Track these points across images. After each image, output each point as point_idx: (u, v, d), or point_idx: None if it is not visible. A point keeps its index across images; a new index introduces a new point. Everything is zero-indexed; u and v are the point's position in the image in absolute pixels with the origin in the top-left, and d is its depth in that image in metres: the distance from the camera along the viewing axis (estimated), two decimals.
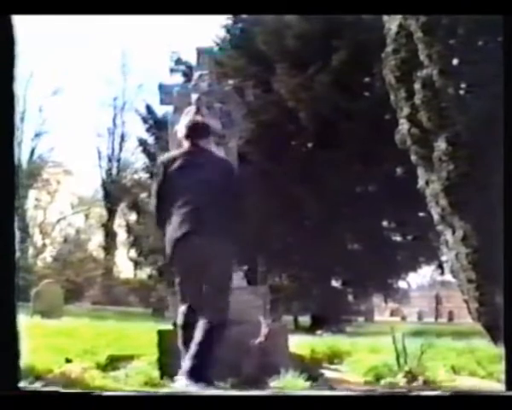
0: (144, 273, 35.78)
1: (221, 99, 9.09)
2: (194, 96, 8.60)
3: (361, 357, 9.05)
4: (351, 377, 8.15)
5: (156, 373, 6.91)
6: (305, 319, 26.03)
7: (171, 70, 28.32)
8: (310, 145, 24.81)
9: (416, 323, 35.36)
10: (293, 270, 24.39)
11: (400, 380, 7.18)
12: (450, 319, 43.98)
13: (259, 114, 22.92)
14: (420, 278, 49.15)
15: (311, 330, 20.15)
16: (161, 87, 9.07)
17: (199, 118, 7.05)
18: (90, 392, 3.41)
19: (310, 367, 7.90)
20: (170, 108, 9.41)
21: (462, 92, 12.19)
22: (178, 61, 28.13)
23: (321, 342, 10.81)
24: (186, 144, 6.38)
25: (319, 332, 14.91)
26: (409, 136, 12.60)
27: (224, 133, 8.73)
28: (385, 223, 26.38)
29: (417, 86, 12.19)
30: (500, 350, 10.44)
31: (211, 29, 54.26)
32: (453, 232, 12.22)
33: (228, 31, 26.77)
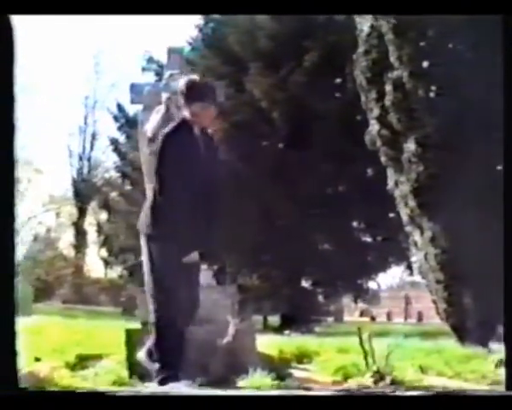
0: (115, 272, 35.62)
1: None
2: (164, 96, 8.60)
3: (329, 357, 9.05)
4: (319, 376, 8.14)
5: (125, 372, 6.88)
6: (274, 319, 26.05)
7: (143, 69, 28.27)
8: (281, 146, 24.84)
9: (386, 323, 35.52)
10: (263, 270, 24.39)
11: (368, 380, 7.21)
12: (420, 319, 44.17)
13: (232, 115, 22.91)
14: (389, 278, 49.41)
15: (280, 329, 20.17)
16: (132, 86, 9.04)
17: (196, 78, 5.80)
18: (90, 392, 3.42)
19: (278, 367, 7.90)
20: (141, 107, 9.40)
21: (432, 94, 12.26)
22: (150, 60, 28.05)
23: (290, 342, 10.82)
24: (186, 113, 5.49)
25: (287, 332, 14.94)
26: (379, 137, 12.66)
27: None
28: (355, 223, 26.49)
29: (388, 88, 12.25)
30: (468, 350, 10.57)
31: (183, 29, 54.20)
32: (422, 233, 12.30)
33: (200, 30, 26.74)
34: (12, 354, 3.21)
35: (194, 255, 5.26)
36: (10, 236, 3.31)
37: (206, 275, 8.54)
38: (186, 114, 5.44)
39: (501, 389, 3.37)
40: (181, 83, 5.51)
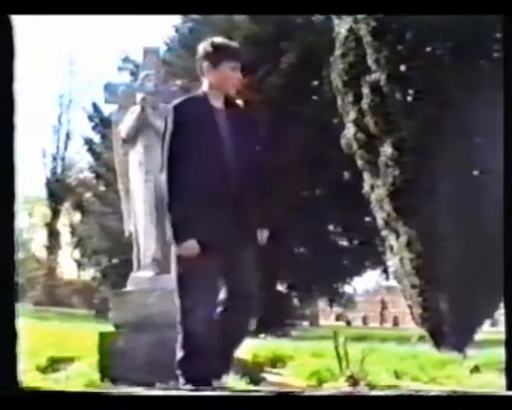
0: (88, 274, 35.35)
1: (166, 99, 9.00)
2: (139, 96, 8.49)
3: (304, 361, 9.01)
4: (293, 381, 8.11)
5: (97, 376, 6.78)
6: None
7: (119, 68, 28.11)
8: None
9: (361, 327, 35.59)
10: None
11: (342, 384, 7.15)
12: (396, 324, 44.35)
13: None
14: (365, 282, 49.57)
15: (255, 333, 20.05)
16: (107, 86, 8.93)
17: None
18: (90, 392, 3.38)
19: (252, 371, 7.85)
20: (116, 107, 9.30)
21: (409, 98, 12.24)
22: (126, 60, 27.87)
23: (264, 346, 10.76)
24: (211, 79, 4.47)
25: (262, 336, 14.85)
26: (355, 140, 12.62)
27: None
28: (331, 227, 26.44)
29: (365, 91, 12.20)
30: (443, 355, 10.53)
31: (160, 29, 54.11)
32: (397, 237, 12.26)
33: (177, 30, 26.60)
34: (12, 354, 3.18)
35: (191, 245, 4.12)
36: (10, 236, 3.25)
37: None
38: (210, 80, 4.41)
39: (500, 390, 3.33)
40: (204, 44, 4.51)
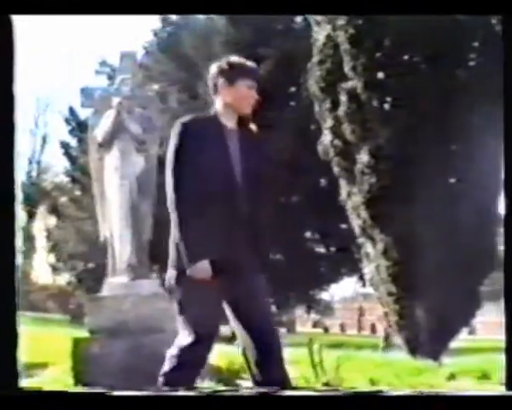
0: (63, 279, 35.12)
1: (142, 104, 8.98)
2: (115, 100, 8.46)
3: None
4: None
5: (71, 381, 6.73)
6: (226, 329, 25.88)
7: (97, 72, 28.05)
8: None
9: (339, 335, 35.62)
10: None
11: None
12: (373, 331, 44.40)
13: None
14: (343, 289, 49.64)
15: (231, 340, 20.00)
16: (83, 90, 8.89)
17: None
18: (90, 392, 3.38)
19: (227, 378, 7.83)
20: (92, 111, 9.27)
21: (386, 106, 12.26)
22: (103, 64, 27.76)
23: (239, 353, 10.67)
24: (226, 98, 4.23)
25: (236, 342, 14.79)
26: (331, 147, 12.62)
27: (145, 139, 8.61)
28: (308, 234, 26.44)
29: (342, 98, 12.21)
30: (419, 363, 10.54)
31: (139, 32, 53.93)
32: (374, 245, 12.27)
33: (156, 34, 26.54)
34: (12, 353, 3.17)
35: (204, 266, 3.93)
36: (11, 237, 3.24)
37: (152, 283, 8.40)
38: (225, 98, 4.22)
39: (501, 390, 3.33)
40: (219, 63, 4.31)
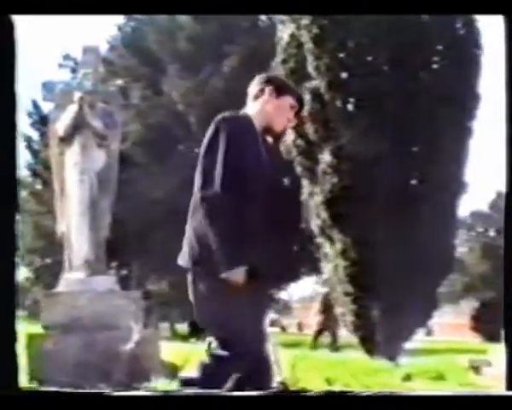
0: (21, 274, 34.75)
1: (105, 99, 8.92)
2: (77, 95, 8.39)
3: None
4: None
5: (25, 378, 6.66)
6: (183, 327, 25.83)
7: (60, 66, 27.85)
8: (197, 150, 24.62)
9: (296, 334, 35.68)
10: (172, 276, 24.11)
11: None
12: None
13: (148, 116, 22.64)
14: (302, 289, 49.76)
15: (188, 338, 19.98)
16: (45, 84, 8.80)
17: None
18: (90, 392, 3.38)
19: (181, 376, 7.79)
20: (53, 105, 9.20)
21: (349, 106, 12.29)
22: (67, 57, 27.56)
23: (196, 350, 10.66)
24: (269, 105, 4.08)
25: (193, 340, 14.81)
26: (294, 147, 12.61)
27: (106, 134, 8.55)
28: None
29: (305, 97, 12.20)
30: (375, 363, 10.58)
31: (103, 27, 53.66)
32: (332, 245, 12.29)
33: (120, 29, 26.40)
34: (12, 353, 3.18)
35: (241, 272, 3.72)
36: (12, 236, 3.21)
37: (108, 280, 8.35)
38: (266, 105, 4.08)
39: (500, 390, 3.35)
40: (271, 74, 4.29)
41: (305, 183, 12.86)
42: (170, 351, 9.08)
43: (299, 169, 12.81)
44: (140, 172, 21.35)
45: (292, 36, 12.63)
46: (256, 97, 4.13)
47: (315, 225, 12.57)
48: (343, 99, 12.07)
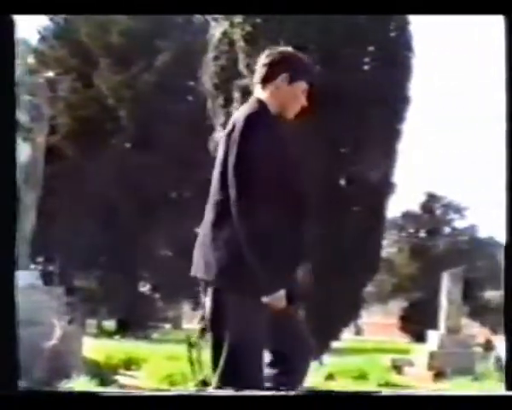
0: None
1: (31, 91, 8.75)
2: None
3: (158, 364, 8.93)
4: (145, 383, 8.06)
5: None
6: (111, 323, 25.60)
7: None
8: (128, 145, 24.44)
9: None
10: (100, 272, 23.88)
11: (192, 388, 7.12)
12: None
13: (78, 109, 22.36)
14: None
15: (115, 334, 19.81)
16: None
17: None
18: (90, 392, 3.34)
19: (104, 373, 7.77)
20: None
21: None
22: None
23: (119, 348, 10.60)
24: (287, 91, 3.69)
25: (117, 337, 14.72)
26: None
27: (32, 127, 8.39)
28: (198, 230, 26.41)
29: (235, 95, 12.18)
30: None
31: (35, 17, 52.92)
32: None
33: (51, 19, 25.98)
34: (12, 354, 3.11)
35: (279, 297, 3.52)
36: (12, 235, 3.15)
37: (30, 275, 8.18)
38: (279, 93, 3.70)
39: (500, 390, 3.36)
40: (286, 51, 3.79)
41: None
42: (94, 348, 9.00)
43: None
44: (69, 166, 21.06)
45: (224, 33, 12.60)
46: (266, 80, 3.68)
47: None
48: None
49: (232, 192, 3.42)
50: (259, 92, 3.66)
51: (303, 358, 3.72)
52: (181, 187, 24.70)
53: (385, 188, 12.51)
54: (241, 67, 12.09)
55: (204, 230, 3.64)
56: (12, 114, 3.24)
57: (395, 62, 12.07)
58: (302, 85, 3.69)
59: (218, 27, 12.91)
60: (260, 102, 3.62)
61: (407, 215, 34.81)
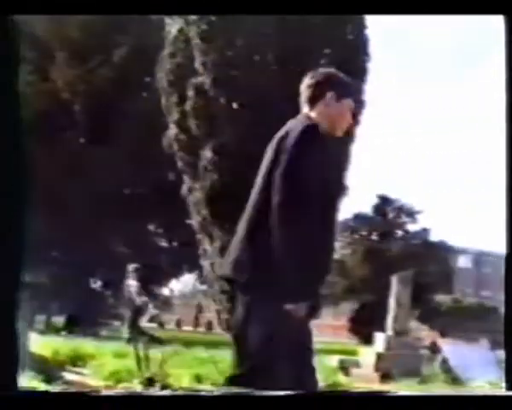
0: None
1: None
2: None
3: (105, 361, 8.90)
4: (92, 380, 8.00)
5: None
6: (60, 320, 25.37)
7: None
8: (82, 140, 24.22)
9: (174, 330, 35.61)
10: (51, 267, 23.63)
11: (137, 385, 7.15)
12: (209, 328, 44.64)
13: (32, 103, 22.10)
14: (183, 285, 49.71)
15: (64, 330, 19.63)
16: None
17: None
18: (90, 392, 3.32)
19: (49, 369, 7.69)
20: None
21: (234, 104, 12.31)
22: None
23: (66, 344, 10.51)
24: (332, 110, 3.73)
25: (64, 333, 14.60)
26: (176, 141, 12.56)
27: None
28: (152, 227, 26.30)
29: (190, 93, 12.17)
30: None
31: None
32: (211, 242, 12.29)
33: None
34: (12, 353, 3.13)
35: (301, 306, 3.49)
36: (16, 229, 3.22)
37: None
38: (328, 111, 3.74)
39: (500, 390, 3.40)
40: (330, 72, 3.85)
41: (185, 178, 12.82)
42: (41, 344, 8.93)
43: (179, 164, 12.76)
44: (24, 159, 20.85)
45: (180, 31, 12.58)
46: (314, 99, 3.73)
47: (195, 221, 12.55)
48: (228, 96, 12.08)
49: (276, 198, 3.37)
50: (312, 113, 3.65)
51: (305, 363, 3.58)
52: (135, 183, 24.57)
53: (336, 190, 12.60)
54: (197, 64, 12.08)
55: (240, 228, 3.56)
56: (12, 114, 3.23)
57: (351, 65, 12.17)
58: (349, 103, 3.76)
59: (174, 24, 12.89)
60: (312, 119, 3.62)
61: (360, 217, 35.00)
